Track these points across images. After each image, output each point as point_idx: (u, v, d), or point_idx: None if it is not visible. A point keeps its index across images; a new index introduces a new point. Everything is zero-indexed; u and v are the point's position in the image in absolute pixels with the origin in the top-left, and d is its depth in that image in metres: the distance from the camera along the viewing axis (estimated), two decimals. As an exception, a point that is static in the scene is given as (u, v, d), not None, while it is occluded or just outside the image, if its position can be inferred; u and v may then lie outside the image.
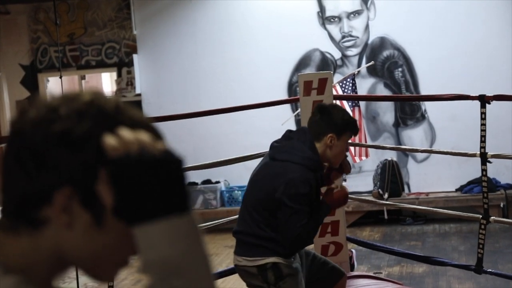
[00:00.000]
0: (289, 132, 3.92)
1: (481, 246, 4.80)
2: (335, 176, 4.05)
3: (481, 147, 4.77)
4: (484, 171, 4.77)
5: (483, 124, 4.78)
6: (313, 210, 3.69)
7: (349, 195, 7.47)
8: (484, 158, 4.76)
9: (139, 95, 9.96)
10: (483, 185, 4.81)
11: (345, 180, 8.93)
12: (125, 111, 1.08)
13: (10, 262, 1.02)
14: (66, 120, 1.01)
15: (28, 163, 1.01)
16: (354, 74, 6.91)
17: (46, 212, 1.01)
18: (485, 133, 4.78)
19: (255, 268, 3.73)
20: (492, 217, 4.81)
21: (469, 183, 8.78)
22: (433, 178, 9.07)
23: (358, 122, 6.32)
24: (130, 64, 10.28)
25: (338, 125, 3.76)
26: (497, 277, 5.22)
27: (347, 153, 4.05)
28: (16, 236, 1.03)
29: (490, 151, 4.79)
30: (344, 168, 3.99)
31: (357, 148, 6.48)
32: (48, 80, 11.97)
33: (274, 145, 3.86)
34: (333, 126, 3.76)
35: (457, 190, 9.00)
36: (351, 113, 6.38)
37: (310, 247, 4.27)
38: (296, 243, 3.67)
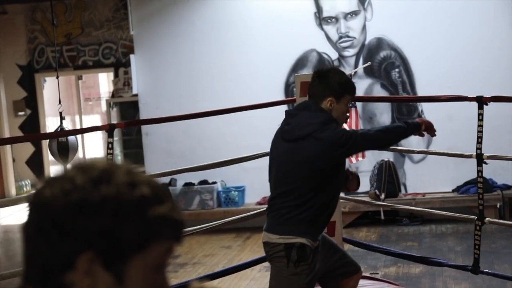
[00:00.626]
0: (289, 110, 4.04)
1: (477, 246, 4.81)
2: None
3: (477, 148, 4.77)
4: (480, 172, 4.78)
5: (480, 125, 4.79)
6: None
7: (346, 196, 7.47)
8: (480, 159, 4.76)
9: (136, 95, 9.96)
10: (479, 186, 4.81)
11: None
12: (135, 174, 1.15)
13: None
14: (82, 189, 1.10)
15: (51, 232, 1.08)
16: (350, 75, 6.89)
17: (70, 277, 1.09)
18: (482, 134, 4.79)
19: (283, 246, 3.77)
20: (487, 218, 4.82)
21: (466, 183, 8.79)
22: (429, 179, 9.08)
23: (355, 123, 6.35)
24: (127, 64, 10.29)
25: (335, 89, 3.82)
26: (494, 277, 5.22)
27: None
28: None
29: (486, 152, 4.79)
30: (349, 184, 4.15)
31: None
32: (45, 80, 11.97)
33: (286, 128, 3.88)
34: (331, 90, 3.82)
35: (453, 190, 9.01)
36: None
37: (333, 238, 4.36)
38: (367, 140, 3.85)
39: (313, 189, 3.75)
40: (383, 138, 3.93)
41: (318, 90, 3.85)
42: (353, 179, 4.14)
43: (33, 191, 1.13)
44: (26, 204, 1.14)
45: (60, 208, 1.09)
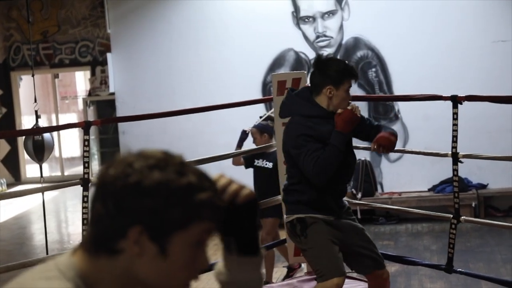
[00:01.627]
0: (291, 90, 4.18)
1: (451, 245, 4.84)
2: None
3: (452, 147, 4.81)
4: (455, 171, 4.81)
5: (455, 125, 4.82)
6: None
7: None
8: (455, 158, 4.79)
9: (113, 94, 9.92)
10: (454, 185, 4.84)
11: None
12: (185, 165, 1.37)
13: (87, 277, 1.33)
14: (139, 173, 1.31)
15: (110, 206, 1.31)
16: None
17: (122, 244, 1.32)
18: (457, 133, 4.82)
19: (289, 224, 4.10)
20: (462, 217, 4.85)
21: (442, 182, 8.85)
22: (406, 178, 9.13)
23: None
24: (104, 63, 10.25)
25: (333, 77, 3.92)
26: (468, 276, 5.26)
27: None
28: (96, 258, 1.34)
29: (462, 151, 4.82)
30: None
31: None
32: (21, 79, 11.88)
33: (281, 105, 4.18)
34: (329, 78, 3.92)
35: (429, 189, 9.07)
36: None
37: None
38: (318, 176, 3.89)
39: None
40: (335, 162, 3.91)
41: (318, 78, 3.97)
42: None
43: (101, 168, 1.36)
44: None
45: (120, 187, 1.31)
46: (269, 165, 6.11)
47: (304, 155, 3.85)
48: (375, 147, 4.12)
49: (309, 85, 4.14)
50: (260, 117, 6.38)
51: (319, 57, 4.11)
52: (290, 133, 3.96)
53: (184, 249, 1.34)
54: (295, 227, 4.04)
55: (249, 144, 6.38)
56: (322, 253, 4.00)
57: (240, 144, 6.31)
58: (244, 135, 6.36)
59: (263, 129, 6.22)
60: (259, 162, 6.27)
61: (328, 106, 3.97)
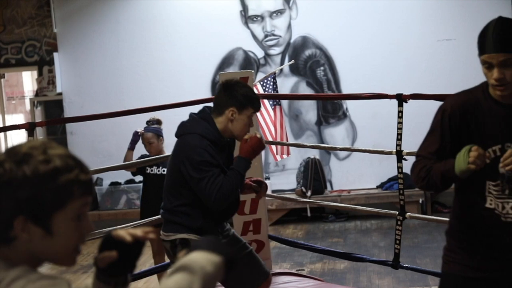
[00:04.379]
0: (192, 113, 4.03)
1: (397, 241, 4.90)
2: (245, 193, 4.21)
3: (397, 145, 4.87)
4: (400, 168, 4.88)
5: (399, 123, 4.88)
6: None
7: (272, 194, 7.51)
8: (399, 155, 4.86)
9: (61, 94, 9.80)
10: (399, 182, 4.91)
11: (268, 178, 9.03)
12: (49, 152, 1.54)
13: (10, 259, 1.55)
14: (9, 172, 1.52)
15: None
16: (274, 73, 6.95)
17: (12, 233, 1.53)
18: (402, 131, 4.88)
19: (169, 243, 3.91)
20: (408, 213, 4.92)
21: (390, 180, 8.96)
22: (354, 176, 9.22)
23: (279, 121, 6.40)
24: (52, 62, 10.10)
25: (238, 99, 3.87)
26: (415, 271, 5.34)
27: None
28: (1, 247, 1.55)
29: (408, 148, 4.88)
30: (260, 191, 4.16)
31: (278, 146, 6.53)
32: (-34, 79, 11.66)
33: (179, 125, 4.00)
34: (234, 100, 3.86)
35: (378, 187, 9.17)
36: (272, 112, 6.43)
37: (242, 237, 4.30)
38: (219, 202, 3.77)
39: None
40: (236, 190, 3.84)
41: (222, 99, 3.90)
42: (264, 186, 4.20)
43: None
44: None
45: None
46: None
47: (208, 180, 3.73)
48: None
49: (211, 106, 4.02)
50: (147, 121, 6.27)
51: (228, 80, 4.03)
52: (192, 156, 3.77)
53: (67, 225, 1.55)
54: (175, 248, 3.86)
55: (140, 148, 6.27)
56: None
57: (132, 146, 6.20)
58: (136, 137, 6.21)
59: (159, 133, 6.13)
60: (154, 170, 6.05)
61: (225, 130, 3.88)
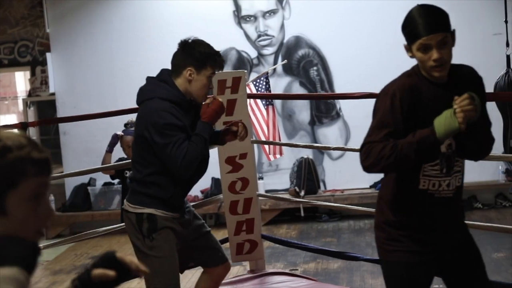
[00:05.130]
0: (150, 77, 3.89)
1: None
2: (229, 139, 4.03)
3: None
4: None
5: (392, 122, 4.87)
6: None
7: (266, 194, 7.50)
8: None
9: (54, 94, 9.79)
10: (392, 181, 4.90)
11: (261, 178, 9.03)
12: (4, 134, 1.54)
13: None
14: None
15: None
16: (267, 73, 6.96)
17: None
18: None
19: (134, 216, 3.74)
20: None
21: (383, 179, 8.95)
22: (348, 175, 9.23)
23: (272, 121, 6.40)
24: (44, 62, 10.09)
25: (196, 58, 3.73)
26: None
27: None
28: None
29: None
30: (240, 133, 3.97)
31: (271, 146, 6.54)
32: (-42, 79, 11.63)
33: (138, 92, 3.86)
34: (192, 59, 3.72)
35: (371, 186, 9.18)
36: (265, 112, 6.44)
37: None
38: (185, 169, 3.63)
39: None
40: (202, 153, 3.69)
41: (180, 58, 3.76)
42: (242, 129, 4.00)
43: None
44: None
45: None
46: None
47: (172, 146, 3.57)
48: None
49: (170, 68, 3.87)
50: (125, 124, 6.23)
51: (185, 39, 3.86)
52: (155, 119, 3.60)
53: (22, 205, 1.53)
54: (141, 223, 3.72)
55: (118, 151, 6.22)
56: (165, 267, 3.74)
57: (111, 149, 6.14)
58: (115, 139, 6.15)
59: None
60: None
61: (185, 92, 3.73)
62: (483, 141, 2.98)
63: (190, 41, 3.83)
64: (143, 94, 3.78)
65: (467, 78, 3.00)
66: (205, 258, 4.03)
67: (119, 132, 6.08)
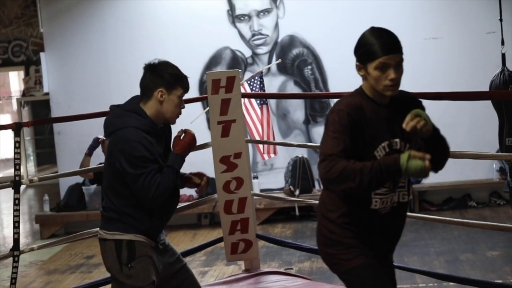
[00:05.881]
0: (115, 106, 3.84)
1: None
2: (188, 186, 3.99)
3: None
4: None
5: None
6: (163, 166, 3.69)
7: (260, 193, 7.50)
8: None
9: (48, 94, 9.78)
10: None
11: (256, 178, 9.03)
12: None
13: None
14: None
15: None
16: (261, 72, 6.96)
17: None
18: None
19: (113, 243, 3.68)
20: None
21: (377, 178, 8.96)
22: (342, 174, 9.22)
23: (267, 120, 6.39)
24: (38, 62, 10.08)
25: (166, 78, 3.71)
26: (402, 270, 5.34)
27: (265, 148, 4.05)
28: None
29: (394, 147, 4.89)
30: (201, 187, 3.94)
31: (265, 145, 6.54)
32: (-48, 79, 11.62)
33: (105, 123, 3.79)
34: (161, 79, 3.71)
35: (366, 185, 9.17)
36: (259, 112, 6.43)
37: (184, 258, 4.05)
38: (157, 200, 3.61)
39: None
40: (172, 186, 3.68)
41: (150, 81, 3.74)
42: (205, 182, 3.96)
43: None
44: None
45: None
46: None
47: (145, 177, 3.56)
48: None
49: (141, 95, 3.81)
50: None
51: (150, 62, 3.87)
52: (128, 151, 3.57)
53: None
54: (120, 250, 3.66)
55: (98, 154, 6.14)
56: None
57: (90, 152, 6.04)
58: (96, 143, 6.07)
59: None
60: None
61: (157, 115, 3.69)
62: (440, 155, 3.09)
63: (157, 63, 3.83)
64: (113, 125, 3.70)
65: (407, 100, 3.14)
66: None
67: (101, 136, 5.98)
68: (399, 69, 3.02)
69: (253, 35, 9.36)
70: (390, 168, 2.84)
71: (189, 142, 3.78)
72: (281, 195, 8.76)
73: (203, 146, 5.68)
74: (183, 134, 3.80)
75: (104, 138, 5.95)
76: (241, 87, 5.61)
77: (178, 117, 3.77)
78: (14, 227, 4.61)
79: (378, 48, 2.99)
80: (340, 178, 2.86)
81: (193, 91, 9.15)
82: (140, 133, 3.60)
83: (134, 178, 3.57)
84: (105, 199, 3.76)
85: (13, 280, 4.64)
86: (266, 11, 9.32)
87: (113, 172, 3.66)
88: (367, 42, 3.06)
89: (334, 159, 2.89)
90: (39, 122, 9.62)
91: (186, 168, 3.90)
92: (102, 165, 5.59)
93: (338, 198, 3.09)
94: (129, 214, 3.66)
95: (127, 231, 3.65)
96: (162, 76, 3.73)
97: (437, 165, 3.10)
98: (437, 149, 3.04)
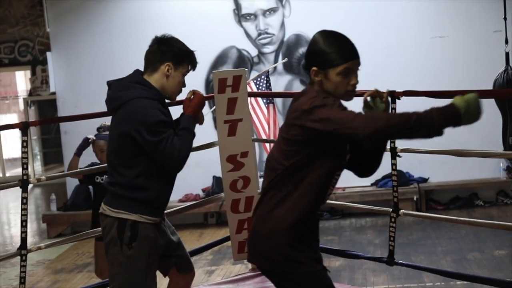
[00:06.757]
0: (115, 80, 3.83)
1: (392, 238, 4.90)
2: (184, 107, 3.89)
3: (391, 142, 4.87)
4: (394, 165, 4.87)
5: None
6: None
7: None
8: (393, 152, 4.86)
9: (54, 93, 9.79)
10: (393, 179, 4.91)
11: (263, 177, 9.02)
12: None
13: None
14: None
15: None
16: (268, 71, 6.96)
17: None
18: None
19: (116, 221, 3.62)
20: (401, 210, 4.92)
21: (384, 177, 8.96)
22: (349, 173, 9.11)
23: (273, 119, 6.39)
24: (45, 62, 10.09)
25: (175, 54, 3.71)
26: (410, 268, 5.34)
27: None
28: None
29: (401, 146, 4.88)
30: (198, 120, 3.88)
31: (272, 144, 6.53)
32: (-41, 79, 11.65)
33: (111, 98, 3.77)
34: (171, 54, 3.71)
35: (372, 184, 9.18)
36: (265, 111, 6.43)
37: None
38: (180, 163, 3.59)
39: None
40: (190, 147, 3.65)
41: (158, 53, 3.72)
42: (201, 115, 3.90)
43: None
44: None
45: None
46: None
47: (166, 142, 3.50)
48: None
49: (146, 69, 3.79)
50: (98, 128, 6.11)
51: (162, 35, 3.87)
52: (143, 119, 3.51)
53: None
54: (123, 230, 3.61)
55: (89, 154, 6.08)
56: (135, 279, 3.65)
57: (79, 152, 5.95)
58: (86, 143, 5.98)
59: None
60: (104, 178, 5.50)
61: (161, 88, 3.67)
62: (378, 157, 3.18)
63: (168, 37, 3.84)
64: (120, 98, 3.67)
65: None
66: (182, 264, 3.96)
67: (91, 136, 5.92)
68: (357, 74, 3.02)
69: (259, 34, 9.36)
70: (447, 109, 2.79)
71: (199, 104, 3.77)
72: (288, 194, 8.75)
73: (210, 145, 5.69)
74: (192, 96, 3.79)
75: (95, 138, 5.89)
76: (247, 86, 5.61)
77: (178, 94, 3.76)
78: (22, 226, 4.62)
79: (344, 54, 2.98)
80: (394, 119, 2.82)
81: (199, 90, 9.16)
82: (152, 101, 3.58)
83: (155, 144, 3.51)
84: (113, 174, 3.67)
85: (22, 280, 4.64)
86: (272, 10, 9.32)
87: (127, 144, 3.58)
88: (328, 47, 3.00)
89: (366, 114, 2.96)
90: (46, 121, 9.64)
91: (192, 168, 3.90)
92: (95, 166, 5.58)
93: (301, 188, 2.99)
94: (139, 185, 3.59)
95: (133, 211, 3.60)
96: (172, 51, 3.73)
97: (368, 171, 3.21)
98: (380, 152, 3.12)
